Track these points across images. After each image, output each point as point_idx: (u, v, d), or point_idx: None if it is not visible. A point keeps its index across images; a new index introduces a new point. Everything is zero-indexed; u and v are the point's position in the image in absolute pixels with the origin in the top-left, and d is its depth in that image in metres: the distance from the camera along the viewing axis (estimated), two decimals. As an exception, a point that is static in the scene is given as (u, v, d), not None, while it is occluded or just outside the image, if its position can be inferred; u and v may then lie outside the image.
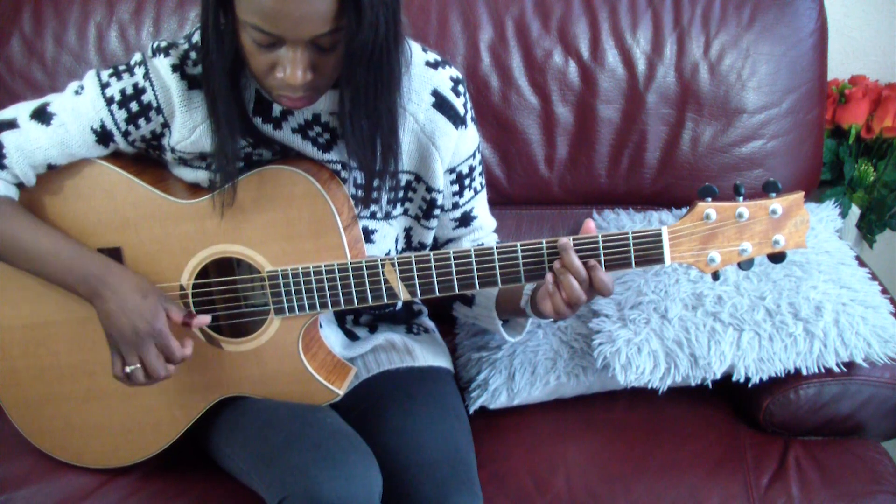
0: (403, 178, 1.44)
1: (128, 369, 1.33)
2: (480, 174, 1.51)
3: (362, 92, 1.24)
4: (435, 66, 1.41)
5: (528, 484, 1.53)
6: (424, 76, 1.39)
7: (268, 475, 1.33)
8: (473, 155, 1.48)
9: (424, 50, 1.42)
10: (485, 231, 1.55)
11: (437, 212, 1.48)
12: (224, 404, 1.45)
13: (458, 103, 1.42)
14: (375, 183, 1.34)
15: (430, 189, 1.46)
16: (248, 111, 1.35)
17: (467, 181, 1.49)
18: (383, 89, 1.25)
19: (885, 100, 2.08)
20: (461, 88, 1.42)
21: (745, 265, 1.26)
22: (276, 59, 1.19)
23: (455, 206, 1.50)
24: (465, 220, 1.52)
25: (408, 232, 1.51)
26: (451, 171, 1.46)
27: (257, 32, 1.16)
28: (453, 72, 1.42)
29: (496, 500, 1.50)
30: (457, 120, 1.41)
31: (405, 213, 1.49)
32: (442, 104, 1.40)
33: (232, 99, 1.29)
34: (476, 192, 1.51)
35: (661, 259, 1.26)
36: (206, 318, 1.37)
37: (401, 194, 1.46)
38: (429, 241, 1.52)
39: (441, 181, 1.45)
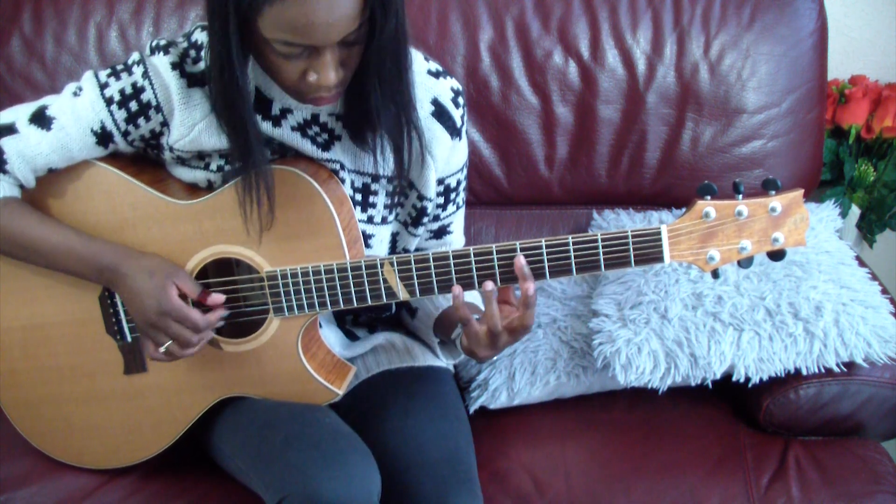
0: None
1: (161, 349, 1.33)
2: (464, 190, 1.52)
3: (389, 81, 1.26)
4: (437, 75, 1.42)
5: (528, 484, 1.53)
6: (426, 84, 1.40)
7: (267, 475, 1.33)
8: (462, 169, 1.48)
9: (426, 59, 1.43)
10: (453, 247, 1.53)
11: (425, 220, 1.49)
12: (224, 404, 1.45)
13: (457, 114, 1.43)
14: (405, 166, 1.36)
15: (421, 197, 1.46)
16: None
17: (453, 195, 1.49)
18: (405, 76, 1.28)
19: (885, 100, 2.07)
20: (461, 100, 1.43)
21: (745, 263, 1.26)
22: (307, 65, 1.20)
23: (436, 218, 1.51)
24: (440, 232, 1.53)
25: (394, 237, 1.51)
26: (440, 181, 1.47)
27: (286, 46, 1.17)
28: (454, 83, 1.43)
29: (496, 500, 1.50)
30: (453, 131, 1.42)
31: (395, 217, 1.49)
32: (441, 113, 1.41)
33: (256, 120, 1.30)
34: (458, 208, 1.52)
35: (661, 258, 1.26)
36: (220, 297, 1.36)
37: (395, 199, 1.46)
38: (412, 248, 1.52)
39: (433, 190, 1.45)
